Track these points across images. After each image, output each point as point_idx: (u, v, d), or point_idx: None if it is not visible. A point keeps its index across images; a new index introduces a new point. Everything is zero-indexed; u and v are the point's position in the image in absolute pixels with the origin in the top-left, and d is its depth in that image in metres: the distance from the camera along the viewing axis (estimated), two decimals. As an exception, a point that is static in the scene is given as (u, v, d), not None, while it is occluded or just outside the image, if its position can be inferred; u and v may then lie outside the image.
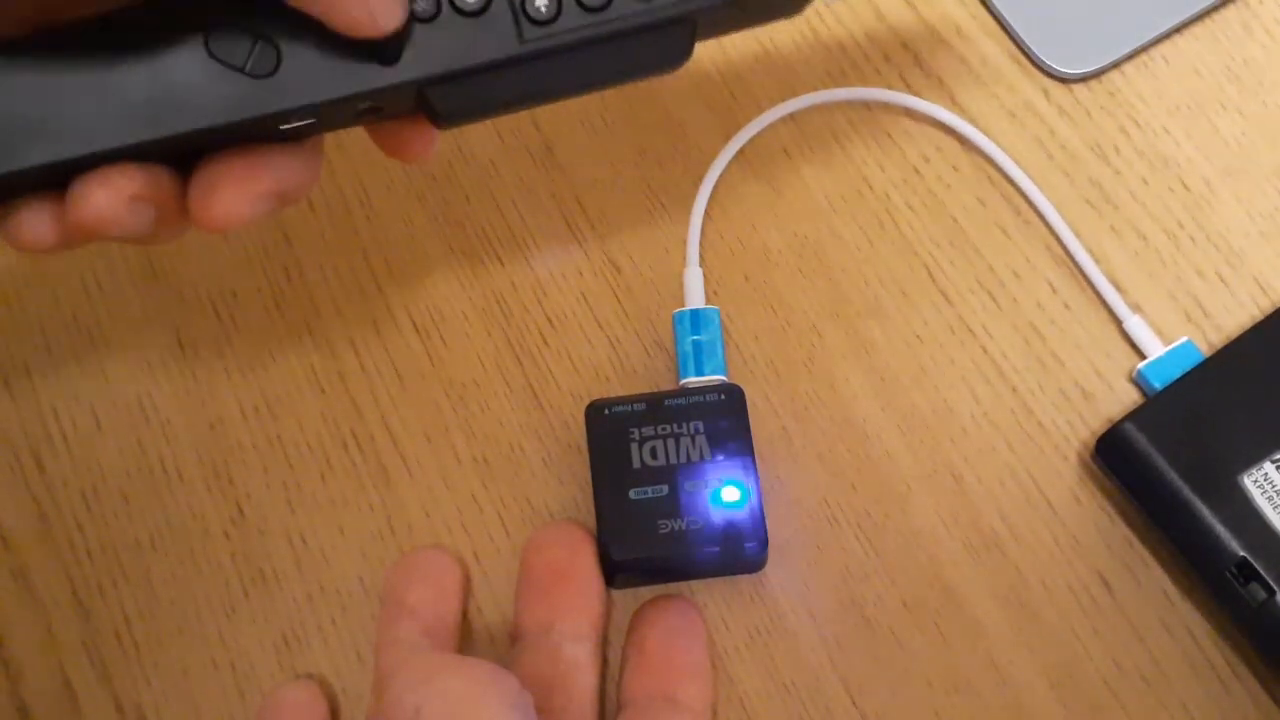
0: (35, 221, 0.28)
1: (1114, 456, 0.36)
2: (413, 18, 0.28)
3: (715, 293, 0.39)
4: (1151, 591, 0.36)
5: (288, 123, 0.28)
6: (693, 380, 0.37)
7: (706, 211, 0.40)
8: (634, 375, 0.39)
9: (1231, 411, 0.35)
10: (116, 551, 0.37)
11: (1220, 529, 0.34)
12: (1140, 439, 0.35)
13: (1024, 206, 0.40)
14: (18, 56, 0.27)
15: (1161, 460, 0.35)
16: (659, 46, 0.31)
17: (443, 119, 0.30)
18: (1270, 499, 0.34)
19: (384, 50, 0.28)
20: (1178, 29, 0.43)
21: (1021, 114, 0.42)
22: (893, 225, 0.40)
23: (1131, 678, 0.35)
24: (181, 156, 0.28)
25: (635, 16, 0.30)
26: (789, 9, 0.32)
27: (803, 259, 0.40)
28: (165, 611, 0.36)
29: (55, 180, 0.27)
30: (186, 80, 0.27)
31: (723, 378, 0.37)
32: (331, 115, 0.29)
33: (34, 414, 0.38)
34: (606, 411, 0.36)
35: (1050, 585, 0.36)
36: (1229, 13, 0.43)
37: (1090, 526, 0.36)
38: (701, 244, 0.40)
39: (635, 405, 0.36)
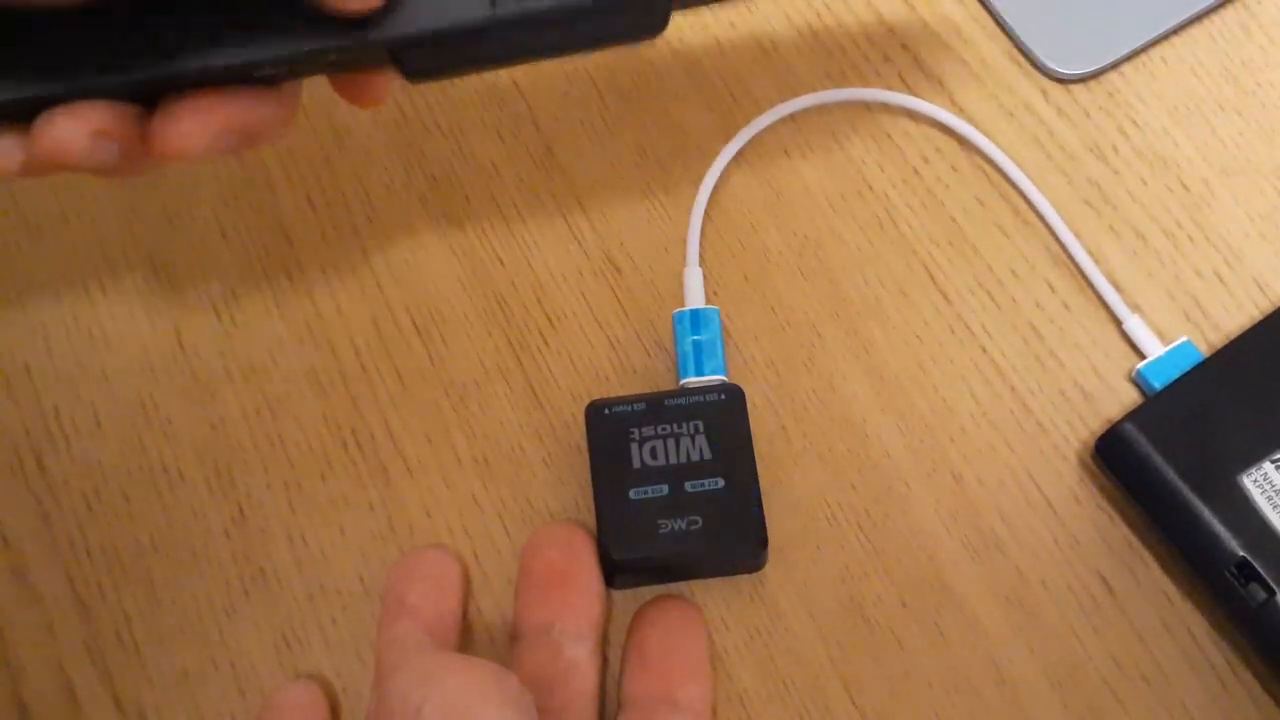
0: (1, 149, 0.28)
1: (1113, 456, 0.36)
2: None
3: (715, 293, 0.39)
4: (1151, 591, 0.36)
5: (258, 71, 0.29)
6: (693, 380, 0.37)
7: (706, 211, 0.40)
8: (634, 375, 0.39)
9: (1231, 411, 0.35)
10: (117, 551, 0.37)
11: (1220, 529, 0.34)
12: (1140, 439, 0.35)
13: (1023, 207, 0.40)
14: None
15: (1161, 460, 0.35)
16: (635, 14, 0.31)
17: (412, 76, 0.30)
18: (1270, 499, 0.34)
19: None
20: (1176, 30, 0.43)
21: (1020, 114, 0.42)
22: (892, 225, 0.40)
23: (1131, 677, 0.35)
24: (150, 95, 0.29)
25: None
26: None
27: (803, 259, 0.40)
28: (165, 611, 0.36)
29: (24, 113, 0.28)
30: (160, 26, 0.28)
31: (723, 378, 0.37)
32: (300, 66, 0.29)
33: (35, 414, 0.38)
34: (606, 411, 0.36)
35: (1050, 585, 0.36)
36: (1227, 13, 0.43)
37: (1090, 526, 0.36)
38: (701, 244, 0.40)
39: (635, 405, 0.36)
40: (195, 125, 0.29)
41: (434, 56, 0.30)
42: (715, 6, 0.32)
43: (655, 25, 0.31)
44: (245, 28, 0.28)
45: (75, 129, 0.27)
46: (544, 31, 0.30)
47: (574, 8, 0.29)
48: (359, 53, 0.29)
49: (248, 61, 0.28)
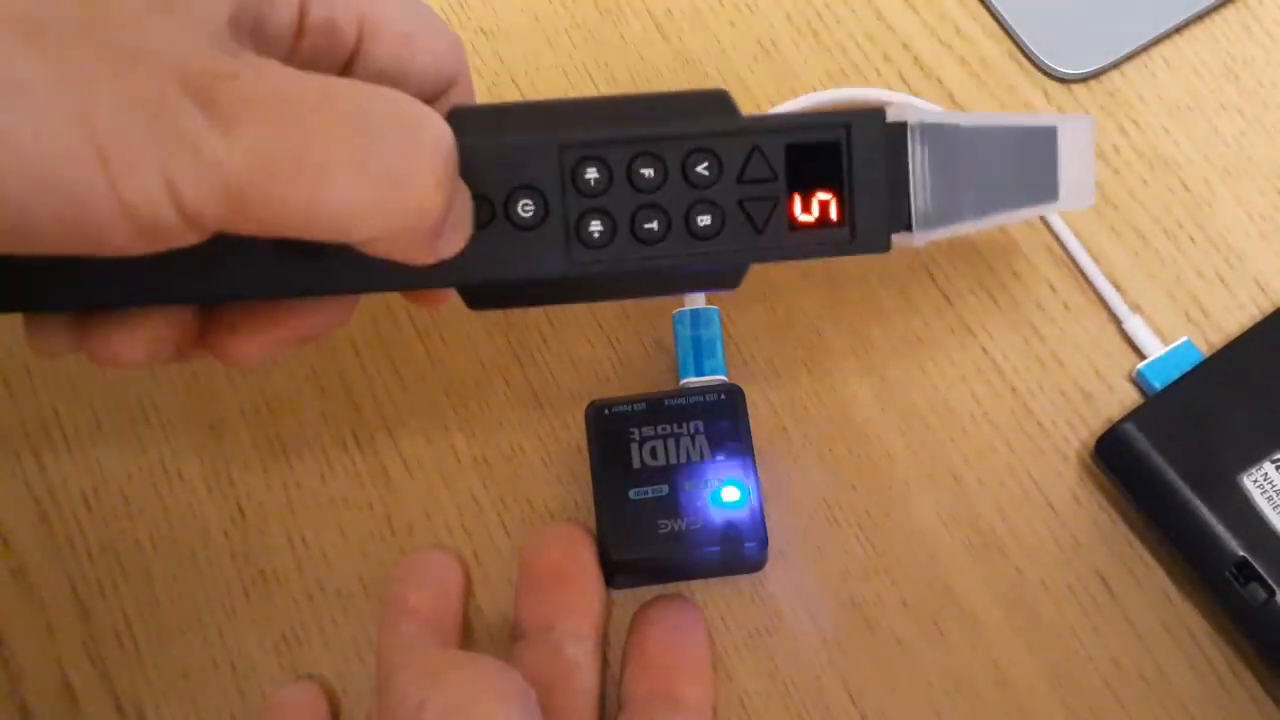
0: (55, 335, 0.28)
1: (1114, 456, 0.36)
2: None
3: (715, 293, 0.40)
4: (1151, 591, 0.36)
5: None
6: (693, 380, 0.37)
7: (706, 211, 0.40)
8: (634, 375, 0.39)
9: (1231, 411, 0.35)
10: (116, 551, 0.37)
11: (1220, 529, 0.34)
12: (1140, 439, 0.35)
13: (1024, 206, 0.40)
14: None
15: (1161, 460, 0.35)
16: (707, 281, 0.32)
17: (474, 307, 0.30)
18: (1270, 499, 0.34)
19: None
20: (1177, 29, 0.43)
21: (1021, 114, 0.42)
22: (893, 225, 0.40)
23: (1131, 678, 0.35)
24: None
25: (689, 257, 0.29)
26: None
27: (803, 259, 0.40)
28: (165, 611, 0.36)
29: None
30: (232, 258, 0.27)
31: (723, 378, 0.37)
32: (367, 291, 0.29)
33: (34, 414, 0.38)
34: (606, 411, 0.36)
35: (1050, 585, 0.36)
36: (1229, 13, 0.43)
37: (1090, 526, 0.36)
38: (701, 244, 0.40)
39: (635, 405, 0.36)
40: (256, 344, 0.28)
41: (500, 297, 0.30)
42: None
43: (726, 287, 0.31)
44: (311, 264, 0.27)
45: (130, 341, 0.27)
46: (613, 285, 0.30)
47: (648, 270, 0.29)
48: (424, 288, 0.30)
49: (315, 291, 0.28)
